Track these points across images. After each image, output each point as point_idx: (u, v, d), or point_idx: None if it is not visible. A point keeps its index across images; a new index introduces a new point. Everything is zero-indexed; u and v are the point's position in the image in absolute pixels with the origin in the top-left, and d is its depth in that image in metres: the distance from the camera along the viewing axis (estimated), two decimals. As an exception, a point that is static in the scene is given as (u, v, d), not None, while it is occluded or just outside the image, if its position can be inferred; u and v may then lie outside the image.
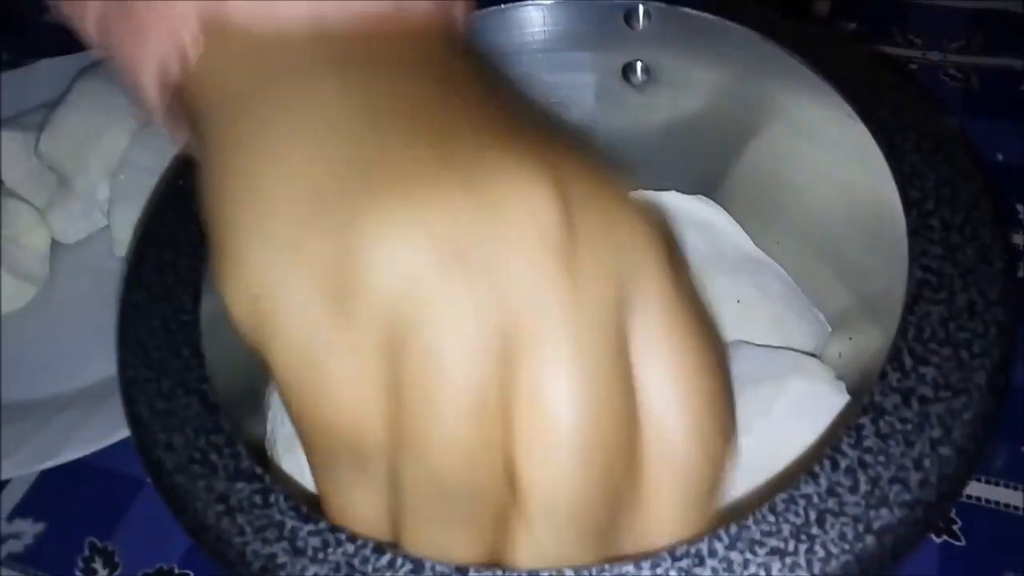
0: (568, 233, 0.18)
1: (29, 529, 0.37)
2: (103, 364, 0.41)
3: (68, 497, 0.37)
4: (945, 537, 0.33)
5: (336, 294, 0.19)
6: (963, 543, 0.33)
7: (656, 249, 0.20)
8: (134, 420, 0.25)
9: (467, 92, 0.22)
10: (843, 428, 0.22)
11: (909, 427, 0.22)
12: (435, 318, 0.18)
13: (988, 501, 0.34)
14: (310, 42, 0.22)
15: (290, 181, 0.20)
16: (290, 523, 0.22)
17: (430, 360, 0.18)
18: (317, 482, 0.22)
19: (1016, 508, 0.34)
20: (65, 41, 0.58)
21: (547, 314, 0.18)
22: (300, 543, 0.22)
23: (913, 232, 0.26)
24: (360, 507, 0.21)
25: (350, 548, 0.22)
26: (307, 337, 0.19)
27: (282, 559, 0.22)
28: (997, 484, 0.34)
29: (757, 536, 0.20)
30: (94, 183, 0.47)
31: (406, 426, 0.18)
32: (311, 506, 0.23)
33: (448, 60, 0.23)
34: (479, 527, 0.19)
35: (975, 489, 0.34)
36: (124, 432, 0.37)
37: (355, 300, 0.18)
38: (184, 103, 0.23)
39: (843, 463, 0.21)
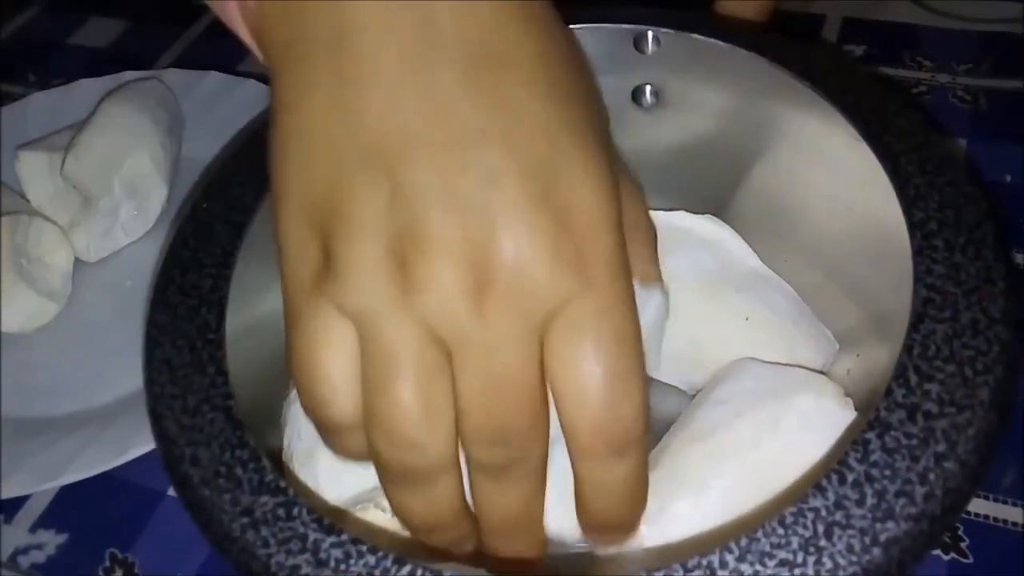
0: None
1: (51, 540, 0.38)
2: (123, 382, 0.42)
3: (90, 509, 0.38)
4: (953, 555, 0.33)
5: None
6: (971, 561, 0.33)
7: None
8: (161, 436, 0.26)
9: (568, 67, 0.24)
10: (850, 443, 0.23)
11: (914, 442, 0.22)
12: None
13: (996, 519, 0.34)
14: None
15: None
16: (313, 535, 0.23)
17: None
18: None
19: (1024, 526, 0.34)
20: (91, 61, 0.60)
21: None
22: (323, 555, 0.22)
23: (917, 252, 0.26)
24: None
25: (371, 560, 0.22)
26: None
27: (305, 570, 0.22)
28: (1005, 503, 0.35)
29: (767, 548, 0.21)
30: (117, 203, 0.48)
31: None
32: (332, 518, 0.23)
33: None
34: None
35: (983, 507, 0.34)
36: (141, 449, 0.38)
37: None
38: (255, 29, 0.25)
39: (850, 477, 0.22)
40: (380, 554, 0.22)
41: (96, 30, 0.65)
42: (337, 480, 0.29)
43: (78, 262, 0.48)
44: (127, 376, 0.42)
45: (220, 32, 0.65)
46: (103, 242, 0.48)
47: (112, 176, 0.48)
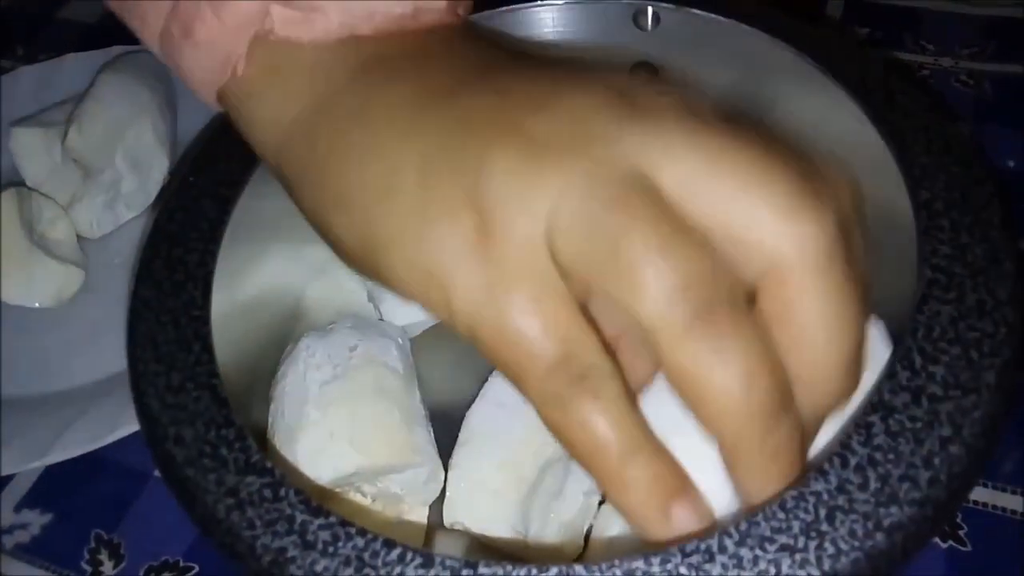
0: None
1: (36, 520, 0.37)
2: (112, 360, 0.41)
3: (75, 489, 0.37)
4: (951, 542, 0.33)
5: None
6: (969, 548, 0.33)
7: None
8: (144, 414, 0.26)
9: (496, 55, 0.25)
10: (853, 426, 0.22)
11: (919, 425, 0.22)
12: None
13: (995, 507, 0.34)
14: (344, 47, 0.25)
15: (400, 155, 0.22)
16: (300, 517, 0.22)
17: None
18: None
19: (1023, 515, 0.33)
20: (80, 36, 0.59)
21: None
22: (310, 537, 0.22)
23: (923, 232, 0.26)
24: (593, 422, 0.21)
25: (360, 542, 0.22)
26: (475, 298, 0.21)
27: (292, 553, 0.22)
28: (1004, 490, 0.34)
29: (767, 533, 0.20)
30: (119, 176, 0.47)
31: None
32: (319, 499, 0.23)
33: (463, 40, 0.26)
34: None
35: (982, 495, 0.34)
36: (129, 428, 0.37)
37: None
38: (235, 109, 0.26)
39: (853, 461, 0.21)
40: (369, 536, 0.22)
41: (85, 4, 0.64)
42: (316, 463, 0.29)
43: (80, 239, 0.47)
44: (116, 354, 0.41)
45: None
46: (105, 217, 0.47)
47: (115, 148, 0.47)
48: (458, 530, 0.31)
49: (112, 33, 0.59)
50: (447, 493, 0.31)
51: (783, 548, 0.20)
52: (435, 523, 0.31)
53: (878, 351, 0.27)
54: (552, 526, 0.29)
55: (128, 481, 0.37)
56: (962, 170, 0.27)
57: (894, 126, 0.28)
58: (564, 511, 0.29)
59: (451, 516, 0.31)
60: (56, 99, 0.52)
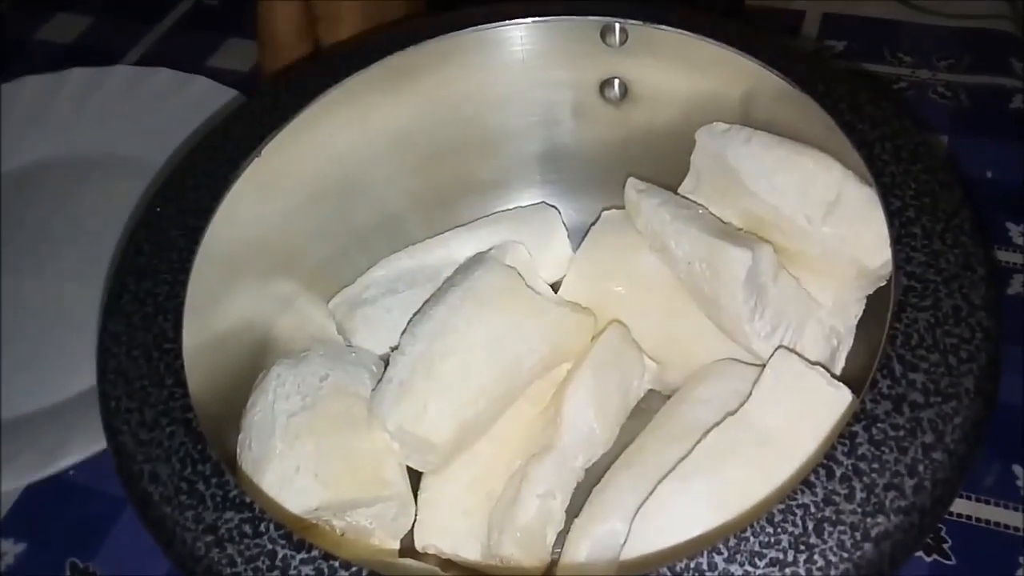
0: None
1: (10, 549, 0.36)
2: (56, 387, 0.40)
3: (50, 516, 0.37)
4: (935, 556, 0.33)
5: None
6: (953, 562, 0.33)
7: None
8: (118, 452, 0.25)
9: None
10: (837, 436, 0.22)
11: (902, 433, 0.22)
12: None
13: (978, 520, 0.34)
14: None
15: None
16: (281, 552, 0.22)
17: None
18: None
19: (1006, 527, 0.33)
20: (55, 59, 0.58)
21: None
22: (293, 572, 0.21)
23: (896, 241, 0.26)
24: None
25: (344, 575, 0.21)
26: None
27: (274, 589, 0.21)
28: (987, 503, 0.34)
29: (756, 548, 0.20)
30: None
31: None
32: (300, 532, 0.22)
33: None
34: None
35: (966, 507, 0.34)
36: (81, 453, 0.36)
37: None
38: None
39: (838, 471, 0.21)
40: (353, 570, 0.21)
41: (62, 26, 0.63)
42: (281, 496, 0.28)
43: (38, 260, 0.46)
44: (65, 379, 0.40)
45: (187, 27, 0.63)
46: None
47: None
48: (431, 554, 0.30)
49: (87, 55, 0.59)
50: (418, 516, 0.31)
51: (773, 562, 0.20)
52: (407, 546, 0.31)
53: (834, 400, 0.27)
54: (509, 532, 0.29)
55: (104, 507, 0.36)
56: (931, 177, 0.27)
57: (863, 135, 0.29)
58: (519, 516, 0.29)
59: (423, 540, 0.30)
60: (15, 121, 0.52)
